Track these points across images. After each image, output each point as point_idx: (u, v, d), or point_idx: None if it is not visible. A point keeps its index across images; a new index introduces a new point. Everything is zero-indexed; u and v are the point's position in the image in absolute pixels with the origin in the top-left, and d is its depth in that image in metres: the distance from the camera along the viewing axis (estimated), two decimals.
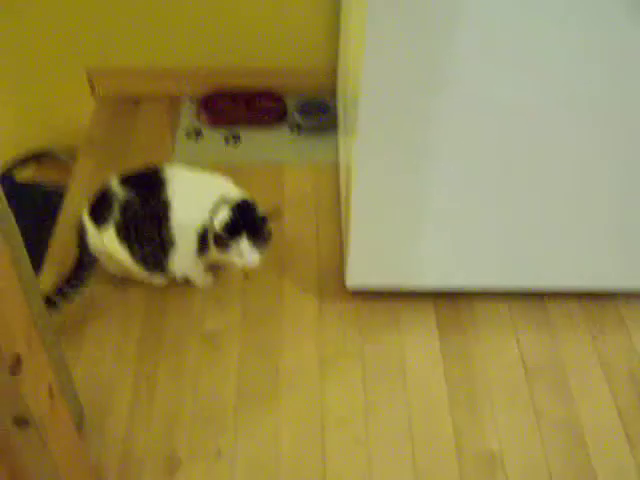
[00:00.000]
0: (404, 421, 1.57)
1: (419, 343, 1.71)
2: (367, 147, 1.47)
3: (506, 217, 1.60)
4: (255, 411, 1.57)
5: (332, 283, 1.81)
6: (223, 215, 1.58)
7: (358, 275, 1.71)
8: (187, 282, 1.77)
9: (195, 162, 2.04)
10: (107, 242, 1.64)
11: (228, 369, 1.64)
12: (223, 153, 2.14)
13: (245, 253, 1.59)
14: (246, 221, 1.59)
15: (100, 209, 1.63)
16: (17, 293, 1.03)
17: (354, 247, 1.65)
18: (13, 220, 1.12)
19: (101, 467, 1.47)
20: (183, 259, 1.68)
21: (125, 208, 1.60)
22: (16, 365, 1.00)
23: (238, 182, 1.70)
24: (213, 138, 2.18)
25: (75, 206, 1.97)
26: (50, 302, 1.62)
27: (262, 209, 1.64)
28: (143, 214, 1.60)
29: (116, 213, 1.60)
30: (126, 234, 1.62)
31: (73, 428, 1.31)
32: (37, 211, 2.04)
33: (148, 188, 1.61)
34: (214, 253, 1.65)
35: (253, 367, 1.64)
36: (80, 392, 1.53)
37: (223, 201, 1.61)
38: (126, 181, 1.63)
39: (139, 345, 1.68)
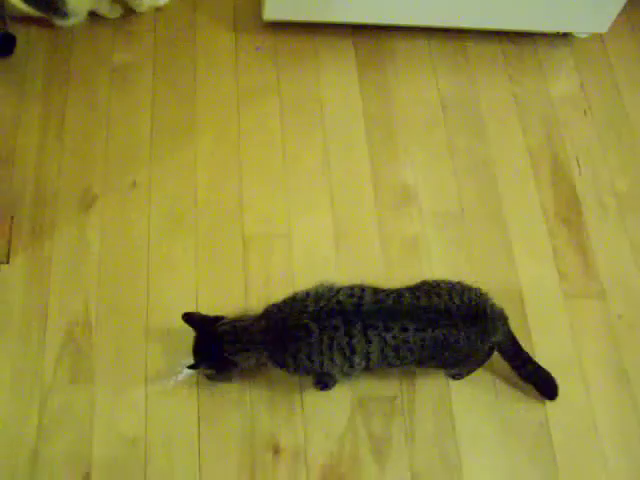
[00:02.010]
0: (320, 154, 1.57)
1: (337, 79, 1.67)
2: None
3: None
4: (171, 144, 1.54)
5: (248, 16, 1.72)
6: None
7: (276, 7, 1.62)
8: (95, 15, 1.65)
9: None
10: None
11: (142, 102, 1.58)
12: None
13: None
14: None
15: None
16: None
17: None
18: None
19: (13, 204, 1.44)
20: None
21: None
22: None
23: None
24: None
25: None
26: None
27: None
28: None
29: None
30: None
31: None
32: None
33: None
34: None
35: (168, 100, 1.59)
36: None
37: None
38: None
39: (45, 82, 1.59)
